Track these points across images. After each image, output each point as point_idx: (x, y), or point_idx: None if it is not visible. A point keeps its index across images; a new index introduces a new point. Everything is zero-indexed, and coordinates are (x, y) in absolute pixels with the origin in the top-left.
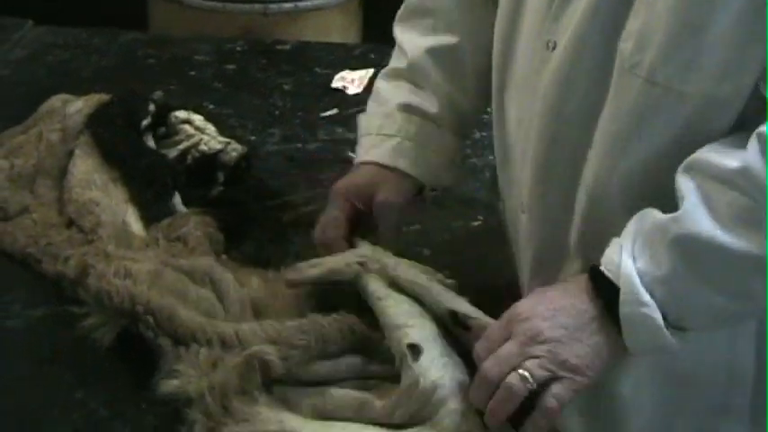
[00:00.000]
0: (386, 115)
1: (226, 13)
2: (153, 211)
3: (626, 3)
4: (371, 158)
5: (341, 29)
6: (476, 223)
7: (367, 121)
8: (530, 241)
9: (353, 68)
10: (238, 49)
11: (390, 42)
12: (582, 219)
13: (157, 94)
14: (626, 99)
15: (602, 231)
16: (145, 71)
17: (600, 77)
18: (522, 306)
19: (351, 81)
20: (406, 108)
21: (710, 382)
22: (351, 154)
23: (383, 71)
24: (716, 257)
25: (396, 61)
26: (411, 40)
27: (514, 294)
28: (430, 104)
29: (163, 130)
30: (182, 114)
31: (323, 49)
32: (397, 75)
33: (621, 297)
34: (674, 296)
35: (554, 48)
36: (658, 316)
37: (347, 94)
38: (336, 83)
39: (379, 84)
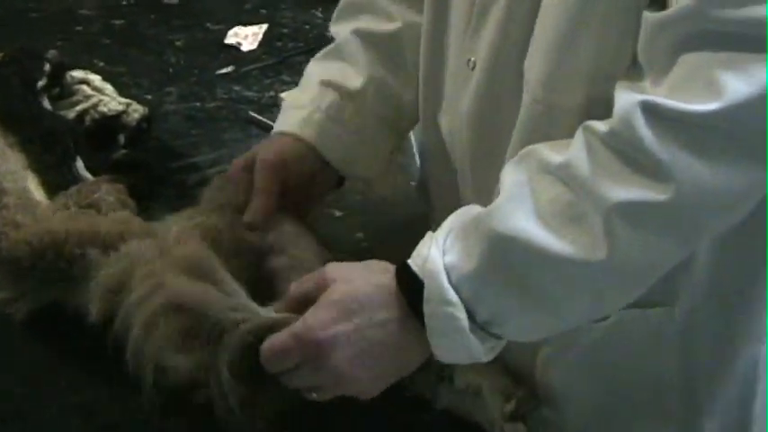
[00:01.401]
0: (302, 89)
1: None
2: (54, 176)
3: (529, 23)
4: (280, 128)
5: None
6: None
7: (285, 100)
8: None
9: (245, 24)
10: (124, 2)
11: None
12: None
13: (52, 53)
14: (530, 120)
15: None
16: (28, 26)
17: (512, 96)
18: (317, 322)
19: (244, 37)
20: (324, 82)
21: (637, 386)
22: (251, 113)
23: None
24: (529, 254)
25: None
26: (343, 27)
27: None
28: (351, 81)
29: (57, 90)
30: (78, 74)
31: (212, 3)
32: (325, 54)
33: (425, 294)
34: (480, 295)
35: (473, 67)
36: (463, 316)
37: (242, 51)
38: (230, 39)
39: (309, 65)
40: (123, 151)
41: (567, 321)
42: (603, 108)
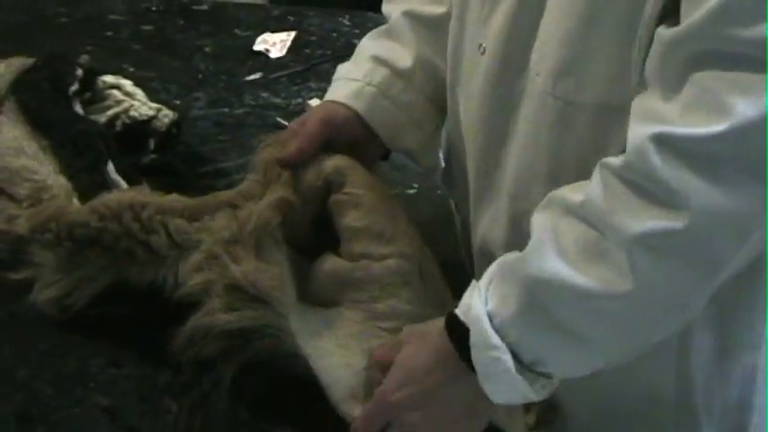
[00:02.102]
0: (355, 63)
1: None
2: (86, 180)
3: (539, 10)
4: (332, 97)
5: None
6: (411, 191)
7: (337, 70)
8: (477, 227)
9: (273, 31)
10: (153, 8)
11: (304, 3)
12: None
13: (84, 58)
14: (532, 108)
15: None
16: (58, 31)
17: (518, 82)
18: (388, 386)
19: (273, 44)
20: (377, 59)
21: (633, 398)
22: (279, 119)
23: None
24: (560, 294)
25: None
26: (395, 8)
27: (453, 263)
28: (402, 59)
29: (88, 95)
30: (110, 79)
31: (240, 10)
32: (378, 33)
33: (471, 340)
34: (523, 338)
35: (483, 52)
36: (508, 358)
37: (270, 58)
38: (258, 45)
39: (362, 41)
40: (153, 156)
41: (607, 357)
42: (617, 113)
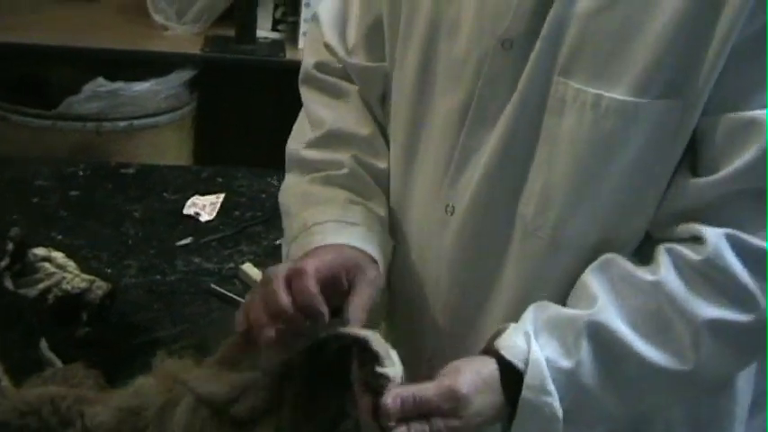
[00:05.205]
0: (343, 207)
1: (57, 131)
2: (19, 358)
3: (523, 166)
4: (339, 241)
5: (175, 147)
6: None
7: (314, 216)
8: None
9: (203, 193)
10: (81, 173)
11: (229, 163)
12: None
13: (14, 231)
14: (530, 260)
15: None
16: None
17: (501, 240)
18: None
19: (202, 207)
20: (360, 203)
21: None
22: (213, 285)
23: (303, 182)
24: (624, 356)
25: (314, 174)
26: (337, 154)
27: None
28: (378, 207)
29: (18, 267)
30: (41, 252)
31: (168, 172)
32: (328, 181)
33: (527, 381)
34: (573, 389)
35: (452, 212)
36: (558, 406)
37: (200, 221)
38: (188, 209)
39: (309, 188)
40: (86, 329)
41: (634, 413)
42: (615, 246)
